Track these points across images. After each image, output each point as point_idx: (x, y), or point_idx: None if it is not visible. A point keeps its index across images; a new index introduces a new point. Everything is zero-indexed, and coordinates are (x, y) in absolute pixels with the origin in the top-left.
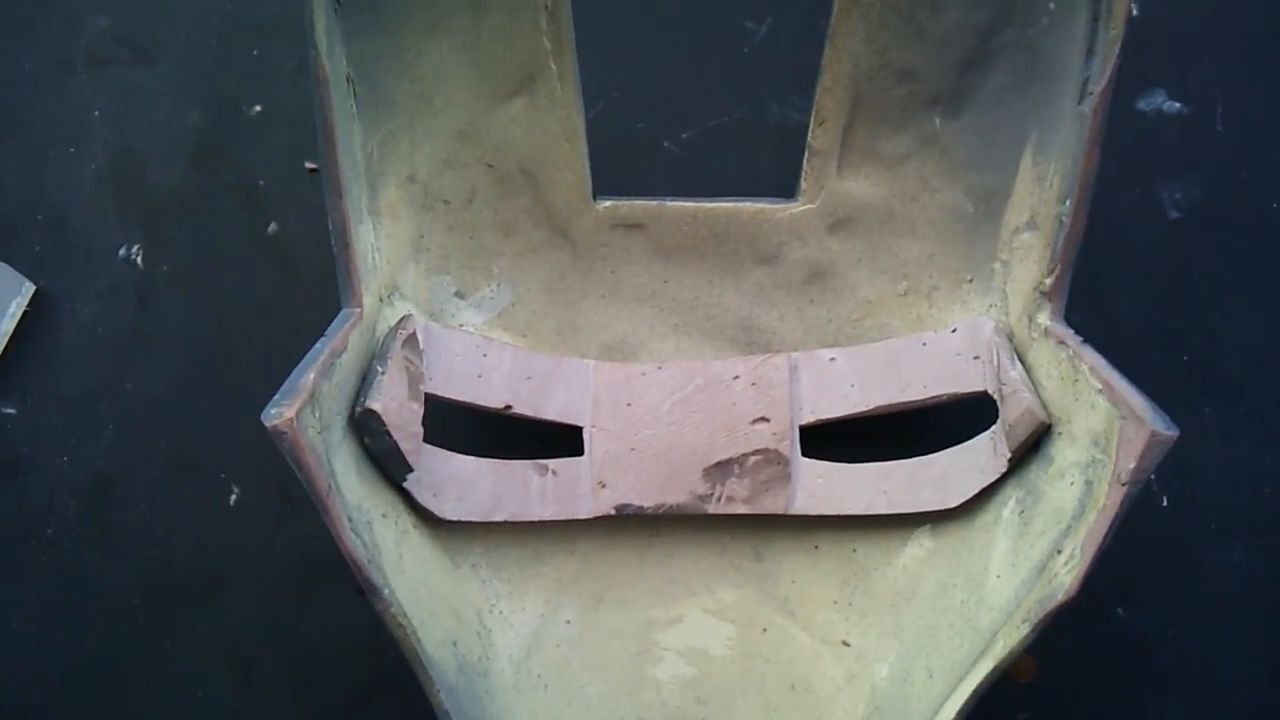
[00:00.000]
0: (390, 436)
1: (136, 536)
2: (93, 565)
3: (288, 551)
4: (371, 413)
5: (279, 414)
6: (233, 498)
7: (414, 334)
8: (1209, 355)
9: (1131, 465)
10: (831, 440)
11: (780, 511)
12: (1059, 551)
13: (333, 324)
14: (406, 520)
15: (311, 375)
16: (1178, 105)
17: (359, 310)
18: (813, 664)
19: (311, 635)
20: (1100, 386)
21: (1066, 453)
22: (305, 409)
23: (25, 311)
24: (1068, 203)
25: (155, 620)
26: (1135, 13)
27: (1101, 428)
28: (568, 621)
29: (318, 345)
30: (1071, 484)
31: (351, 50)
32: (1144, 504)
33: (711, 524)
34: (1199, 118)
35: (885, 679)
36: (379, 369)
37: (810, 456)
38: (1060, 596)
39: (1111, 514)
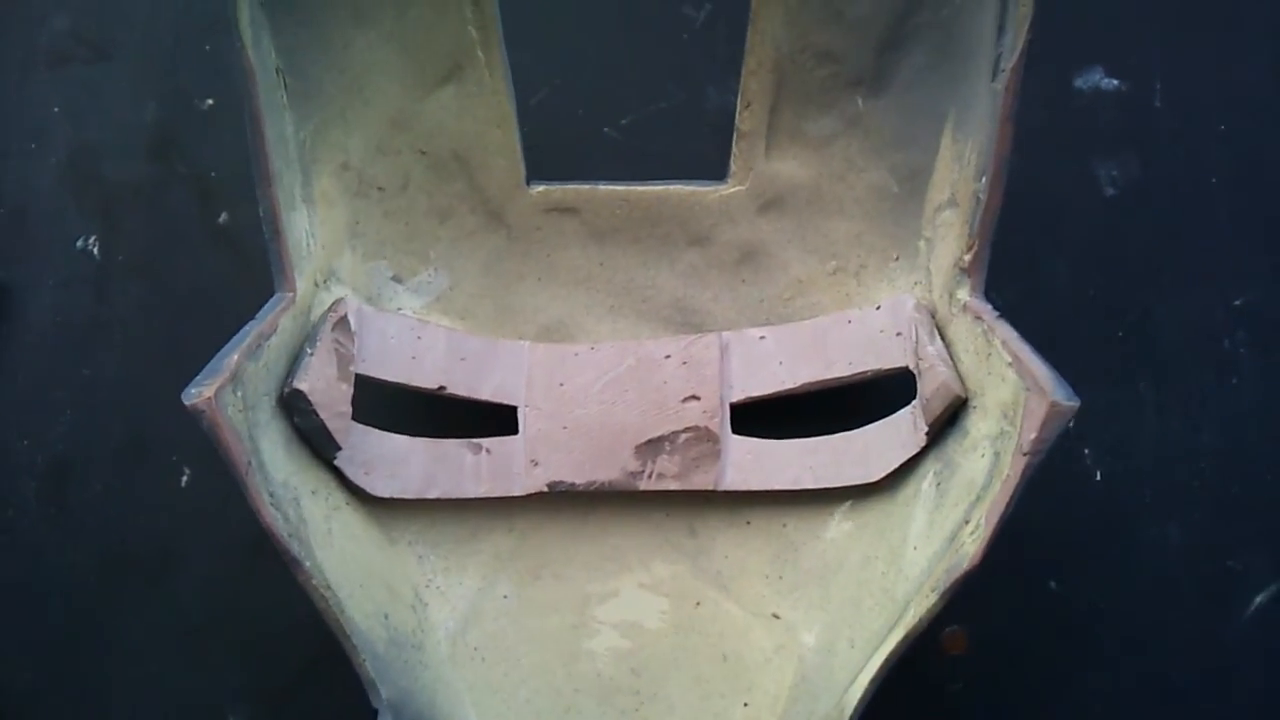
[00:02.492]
0: (317, 415)
1: (93, 516)
2: (51, 544)
3: (236, 530)
4: (298, 392)
5: (198, 393)
6: (184, 479)
7: (345, 317)
8: (1144, 331)
9: (1033, 435)
10: (762, 418)
11: (710, 487)
12: (967, 522)
13: (264, 308)
14: (339, 497)
15: (235, 357)
16: (1115, 82)
17: (291, 295)
18: (744, 636)
19: (259, 610)
20: (1010, 359)
21: (979, 425)
22: (226, 388)
23: None
24: (984, 180)
25: (110, 596)
26: None
27: (1010, 399)
28: (505, 596)
29: (245, 328)
30: (982, 456)
31: (280, 42)
32: (1078, 478)
33: (647, 501)
34: (1137, 95)
35: (812, 649)
36: (308, 351)
37: (741, 434)
38: (965, 565)
39: (1014, 484)
